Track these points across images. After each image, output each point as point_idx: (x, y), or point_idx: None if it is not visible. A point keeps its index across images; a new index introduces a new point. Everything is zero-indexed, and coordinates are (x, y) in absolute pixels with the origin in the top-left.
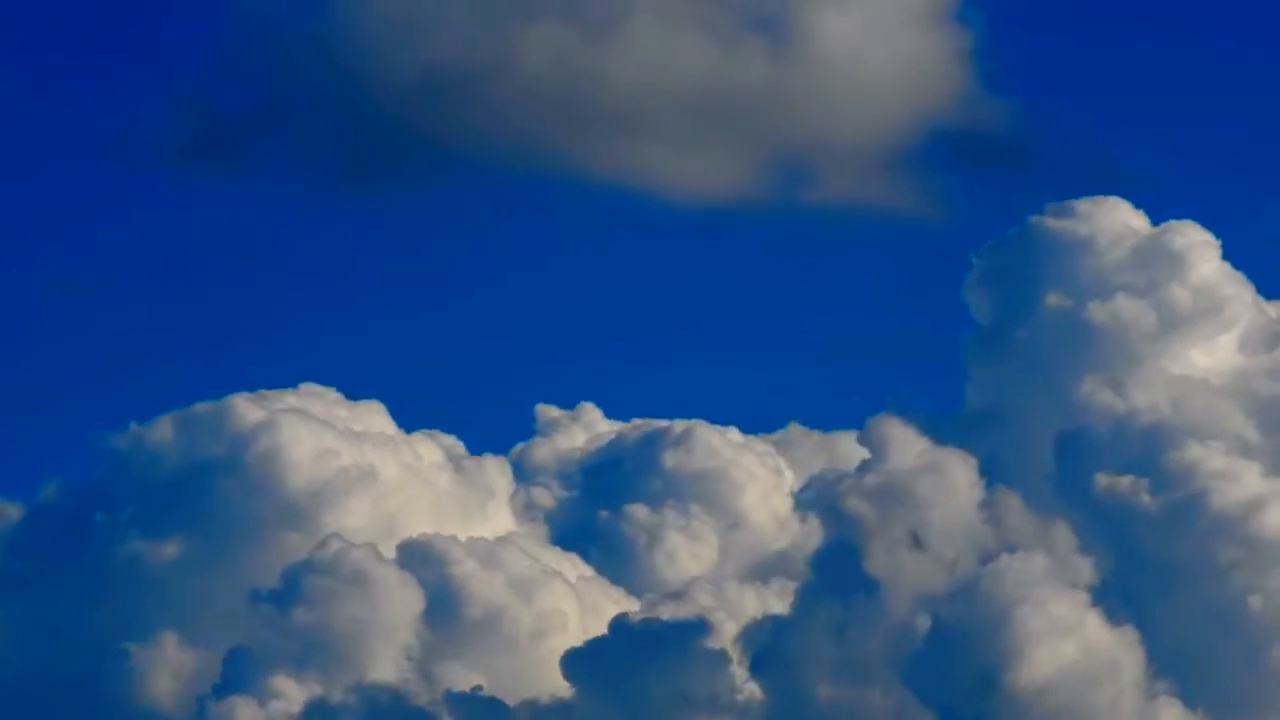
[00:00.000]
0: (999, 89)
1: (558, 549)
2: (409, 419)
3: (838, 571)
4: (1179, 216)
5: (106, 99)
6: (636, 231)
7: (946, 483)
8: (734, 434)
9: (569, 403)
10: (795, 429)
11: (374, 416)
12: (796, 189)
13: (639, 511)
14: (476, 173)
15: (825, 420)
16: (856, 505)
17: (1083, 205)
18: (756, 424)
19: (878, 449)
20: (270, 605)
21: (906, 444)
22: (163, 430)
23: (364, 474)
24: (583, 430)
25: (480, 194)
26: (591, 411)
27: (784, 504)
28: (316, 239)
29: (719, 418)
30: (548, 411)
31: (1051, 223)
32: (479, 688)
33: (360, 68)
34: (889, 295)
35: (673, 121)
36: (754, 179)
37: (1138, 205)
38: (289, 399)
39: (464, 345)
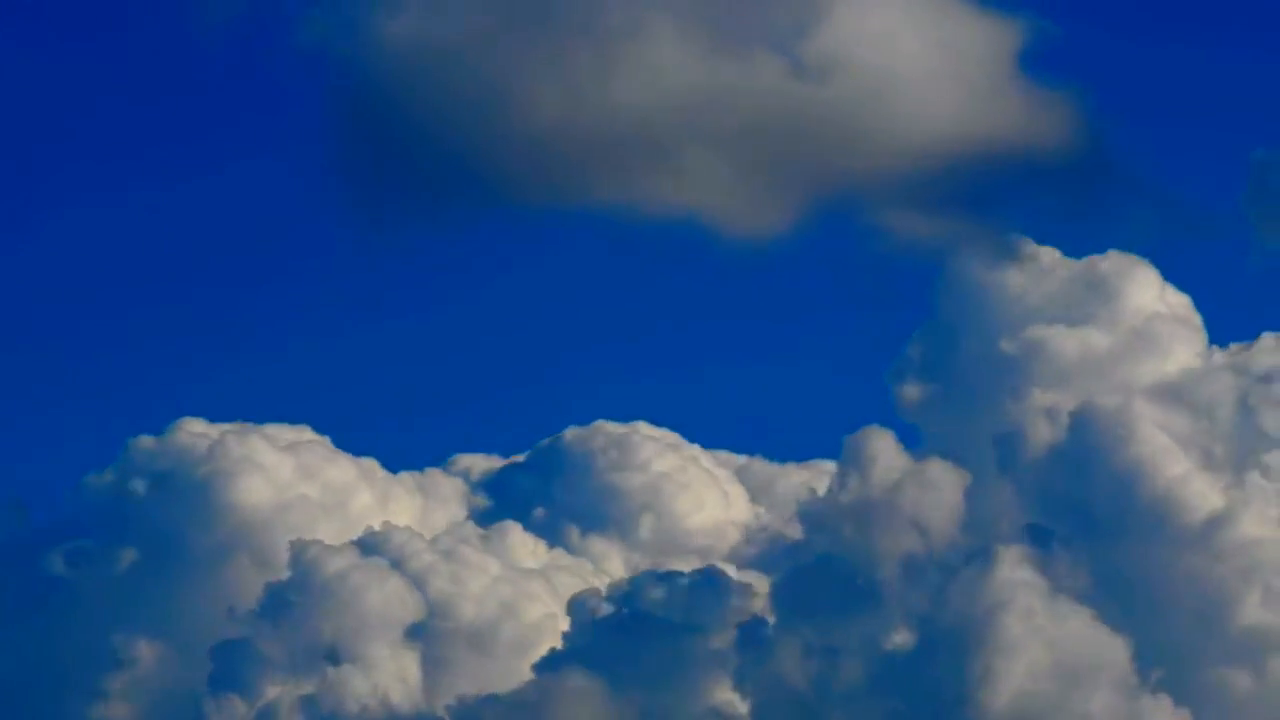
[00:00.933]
0: (1054, 88)
1: (532, 543)
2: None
3: (822, 582)
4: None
5: (100, 105)
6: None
7: (929, 494)
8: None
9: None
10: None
11: (308, 436)
12: (832, 220)
13: (606, 510)
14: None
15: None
16: (838, 518)
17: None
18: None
19: (865, 462)
20: (256, 618)
21: (890, 457)
22: (120, 464)
23: (326, 489)
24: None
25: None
26: None
27: (758, 515)
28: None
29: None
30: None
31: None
32: (468, 693)
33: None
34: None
35: (685, 146)
36: (788, 208)
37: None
38: (235, 425)
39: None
